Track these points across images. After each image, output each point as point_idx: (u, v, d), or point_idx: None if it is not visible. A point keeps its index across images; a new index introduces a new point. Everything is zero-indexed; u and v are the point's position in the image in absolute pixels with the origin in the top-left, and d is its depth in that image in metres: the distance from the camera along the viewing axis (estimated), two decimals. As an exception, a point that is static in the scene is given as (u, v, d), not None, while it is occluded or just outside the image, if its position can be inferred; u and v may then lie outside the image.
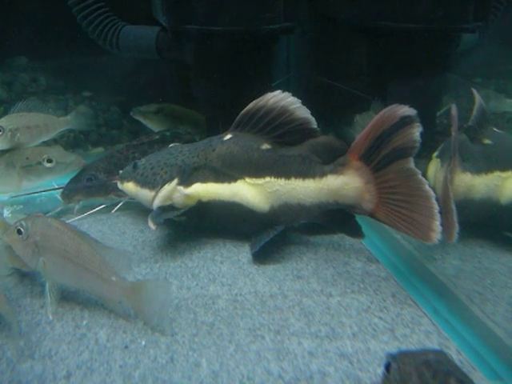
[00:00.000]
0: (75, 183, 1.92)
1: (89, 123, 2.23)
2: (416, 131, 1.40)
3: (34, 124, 2.00)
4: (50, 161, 1.93)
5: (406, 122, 1.40)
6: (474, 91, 1.71)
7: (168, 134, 2.06)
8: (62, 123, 2.12)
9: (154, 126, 2.35)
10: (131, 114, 2.35)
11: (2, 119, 1.97)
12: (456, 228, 1.35)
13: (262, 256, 1.60)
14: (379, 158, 1.44)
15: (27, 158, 1.93)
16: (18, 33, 2.35)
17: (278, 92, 1.58)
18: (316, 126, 1.58)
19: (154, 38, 2.07)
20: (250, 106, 1.61)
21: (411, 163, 1.41)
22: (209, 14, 1.79)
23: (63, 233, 1.34)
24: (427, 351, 1.00)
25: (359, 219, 1.62)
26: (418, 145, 1.41)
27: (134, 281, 1.45)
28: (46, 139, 2.07)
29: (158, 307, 1.30)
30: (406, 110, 1.40)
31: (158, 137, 2.04)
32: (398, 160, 1.42)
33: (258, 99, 1.59)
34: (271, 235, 1.59)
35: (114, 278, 1.30)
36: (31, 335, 1.29)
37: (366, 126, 1.45)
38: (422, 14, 1.79)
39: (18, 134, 1.94)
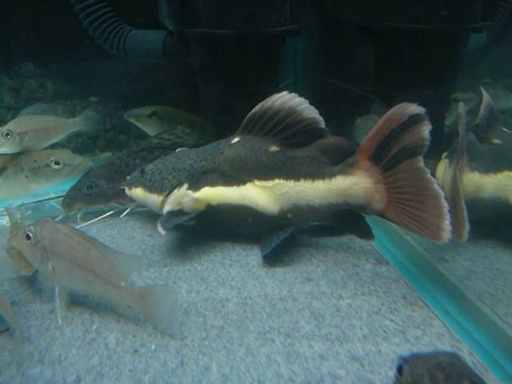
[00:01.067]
0: (75, 191, 1.91)
1: (96, 127, 2.23)
2: (425, 129, 1.39)
3: (42, 127, 2.01)
4: (57, 163, 1.94)
5: (414, 120, 1.39)
6: (483, 90, 1.70)
7: (166, 136, 2.04)
8: (71, 125, 2.13)
9: (148, 129, 2.32)
10: (124, 116, 2.33)
11: (10, 123, 1.98)
12: (466, 226, 1.34)
13: (272, 259, 1.60)
14: (388, 158, 1.43)
15: (35, 161, 1.94)
16: (25, 39, 2.37)
17: (284, 93, 1.57)
18: (324, 126, 1.57)
19: (161, 42, 2.08)
20: (257, 107, 1.60)
21: (421, 162, 1.40)
22: (215, 17, 1.79)
23: (72, 238, 1.34)
24: (439, 353, 0.99)
25: (368, 220, 1.61)
26: (427, 143, 1.39)
27: (143, 286, 1.45)
28: (55, 141, 2.08)
29: (167, 311, 1.30)
30: (414, 109, 1.39)
31: (156, 141, 2.03)
32: (408, 159, 1.41)
33: (265, 101, 1.58)
34: (282, 237, 1.58)
35: (122, 283, 1.30)
36: (41, 340, 1.29)
37: (367, 128, 1.44)
38: (428, 14, 1.79)
39: (27, 138, 1.95)
